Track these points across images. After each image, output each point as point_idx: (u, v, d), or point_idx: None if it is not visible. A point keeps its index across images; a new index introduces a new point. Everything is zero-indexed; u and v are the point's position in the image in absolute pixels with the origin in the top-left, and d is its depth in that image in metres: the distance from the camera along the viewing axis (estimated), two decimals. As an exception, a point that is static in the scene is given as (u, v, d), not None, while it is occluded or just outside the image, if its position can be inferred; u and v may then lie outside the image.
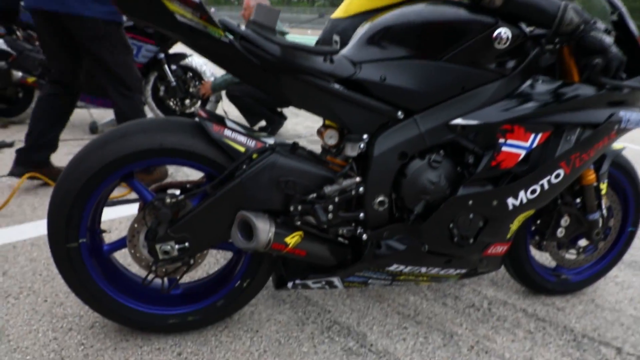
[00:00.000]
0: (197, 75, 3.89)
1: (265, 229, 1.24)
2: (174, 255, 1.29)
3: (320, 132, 1.38)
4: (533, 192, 1.43)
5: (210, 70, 3.91)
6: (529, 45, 1.38)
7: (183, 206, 1.29)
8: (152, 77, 3.80)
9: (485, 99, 1.36)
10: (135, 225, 1.30)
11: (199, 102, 3.94)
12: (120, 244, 1.40)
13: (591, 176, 1.64)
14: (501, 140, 1.37)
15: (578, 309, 1.80)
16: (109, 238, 1.98)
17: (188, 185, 1.41)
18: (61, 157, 2.99)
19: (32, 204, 2.34)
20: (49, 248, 1.64)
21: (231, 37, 1.18)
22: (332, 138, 1.36)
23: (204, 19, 1.12)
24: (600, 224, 1.71)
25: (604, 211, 1.71)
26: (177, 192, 1.38)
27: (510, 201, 1.43)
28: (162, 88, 3.84)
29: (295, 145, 1.36)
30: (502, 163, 1.39)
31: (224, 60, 1.21)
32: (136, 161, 1.23)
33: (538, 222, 1.73)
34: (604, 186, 1.69)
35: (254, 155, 1.27)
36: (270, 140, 1.33)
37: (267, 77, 1.23)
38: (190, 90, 3.93)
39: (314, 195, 1.30)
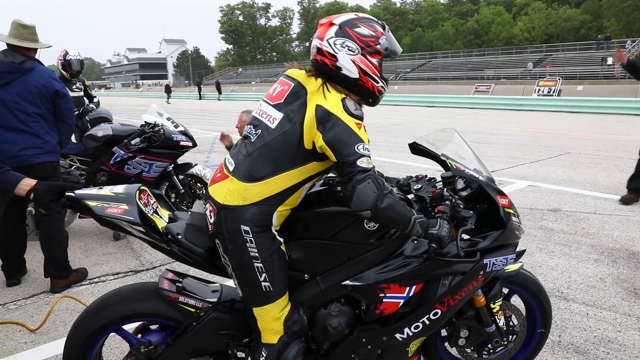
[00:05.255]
0: (201, 181, 4.54)
1: None
2: None
3: None
4: (417, 327, 1.83)
5: (210, 173, 4.56)
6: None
7: (155, 351, 1.80)
8: (163, 188, 4.46)
9: (366, 264, 1.79)
10: None
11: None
12: None
13: (481, 300, 2.02)
14: (381, 295, 1.79)
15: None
16: None
17: (155, 327, 1.92)
18: (90, 268, 3.59)
19: (63, 320, 2.91)
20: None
21: (169, 243, 1.78)
22: None
23: (149, 237, 1.74)
24: (499, 334, 2.07)
25: (501, 324, 2.08)
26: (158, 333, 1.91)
27: (398, 335, 1.83)
28: (172, 195, 4.49)
29: (233, 300, 1.86)
30: (385, 310, 1.81)
31: (170, 256, 1.80)
32: (119, 324, 1.79)
33: (446, 329, 2.11)
34: (495, 305, 2.05)
35: (201, 314, 1.80)
36: (214, 298, 1.86)
37: (204, 265, 1.83)
38: (198, 193, 4.57)
39: (247, 339, 1.82)
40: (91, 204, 1.71)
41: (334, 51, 1.65)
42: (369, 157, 1.60)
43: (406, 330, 1.83)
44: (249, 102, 30.05)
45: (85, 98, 5.95)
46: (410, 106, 23.85)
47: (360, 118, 1.64)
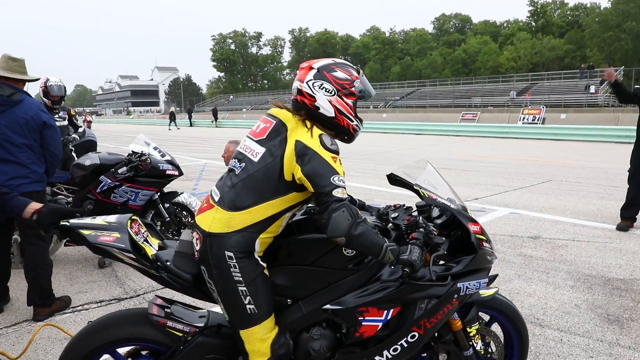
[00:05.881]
0: (187, 209, 4.60)
1: None
2: None
3: None
4: (395, 350, 1.92)
5: (196, 202, 4.62)
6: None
7: None
8: (149, 216, 4.52)
9: (346, 289, 1.88)
10: None
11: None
12: None
13: (457, 324, 2.11)
14: (360, 318, 1.87)
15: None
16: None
17: (145, 352, 2.00)
18: (74, 296, 3.61)
19: (45, 349, 2.92)
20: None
21: (158, 270, 1.88)
22: None
23: (139, 264, 1.85)
24: (476, 358, 2.17)
25: (478, 348, 2.17)
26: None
27: (377, 358, 1.92)
28: (158, 223, 4.54)
29: (220, 325, 1.94)
30: (364, 333, 1.90)
31: (159, 282, 1.90)
32: (112, 347, 1.87)
33: (425, 353, 2.18)
34: (472, 329, 2.14)
35: (189, 338, 1.88)
36: (201, 323, 1.93)
37: (191, 290, 1.94)
38: (184, 221, 4.63)
39: None
40: (84, 232, 1.81)
41: (313, 92, 1.83)
42: (344, 188, 1.73)
43: (385, 352, 1.92)
44: (241, 130, 30.30)
45: (70, 127, 6.01)
46: (398, 134, 24.22)
47: (336, 152, 1.78)
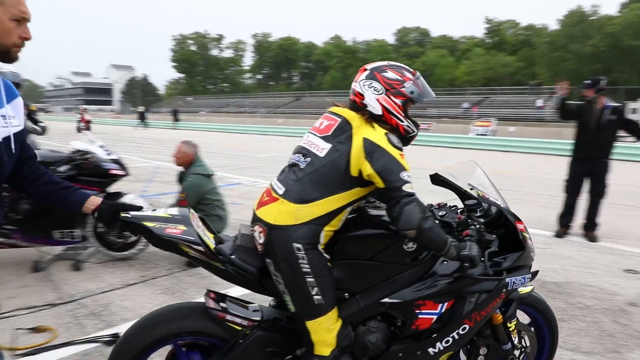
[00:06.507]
0: (132, 211, 4.44)
1: None
2: None
3: None
4: (447, 342, 1.99)
5: (145, 203, 4.48)
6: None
7: None
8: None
9: (403, 283, 1.96)
10: None
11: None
12: None
13: (498, 317, 2.21)
14: (417, 311, 1.96)
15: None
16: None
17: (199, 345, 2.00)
18: (3, 302, 3.39)
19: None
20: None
21: (225, 263, 1.87)
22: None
23: (207, 257, 1.84)
24: (514, 352, 2.27)
25: (516, 342, 2.28)
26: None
27: (431, 350, 1.99)
28: (100, 225, 4.36)
29: (276, 319, 1.98)
30: (420, 326, 1.98)
31: (223, 275, 1.91)
32: (172, 340, 1.88)
33: (466, 348, 2.27)
34: (511, 324, 2.25)
35: (247, 332, 1.89)
36: (258, 317, 1.94)
37: (253, 284, 1.94)
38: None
39: (290, 356, 1.97)
40: (149, 224, 1.78)
41: (362, 90, 1.93)
42: (411, 183, 1.81)
43: (438, 344, 2.00)
44: (198, 132, 29.77)
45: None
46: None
47: (402, 150, 1.87)
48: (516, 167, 14.06)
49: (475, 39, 70.28)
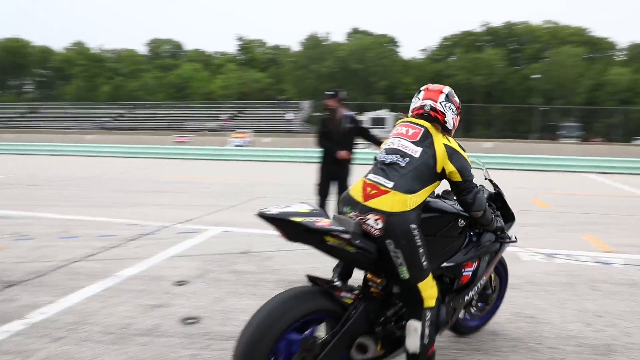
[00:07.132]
0: None
1: (372, 347, 2.35)
2: None
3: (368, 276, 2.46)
4: (475, 290, 2.78)
5: None
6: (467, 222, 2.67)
7: (318, 344, 2.16)
8: None
9: (454, 251, 2.62)
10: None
11: None
12: None
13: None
14: (462, 270, 2.65)
15: None
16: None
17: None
18: None
19: None
20: None
21: (357, 247, 2.19)
22: (380, 282, 2.42)
23: (347, 243, 2.15)
24: (492, 295, 3.24)
25: (493, 287, 3.25)
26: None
27: (466, 297, 2.75)
28: None
29: (371, 292, 2.41)
30: (463, 281, 2.69)
31: (353, 261, 2.33)
32: (309, 316, 2.15)
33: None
34: (494, 276, 3.23)
35: (357, 304, 2.28)
36: (357, 290, 2.39)
37: (370, 265, 2.31)
38: None
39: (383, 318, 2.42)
40: (297, 220, 2.05)
41: (444, 110, 2.51)
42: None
43: (471, 292, 2.75)
44: None
45: None
46: (107, 157, 22.12)
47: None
48: (274, 175, 15.03)
49: (227, 55, 72.99)
